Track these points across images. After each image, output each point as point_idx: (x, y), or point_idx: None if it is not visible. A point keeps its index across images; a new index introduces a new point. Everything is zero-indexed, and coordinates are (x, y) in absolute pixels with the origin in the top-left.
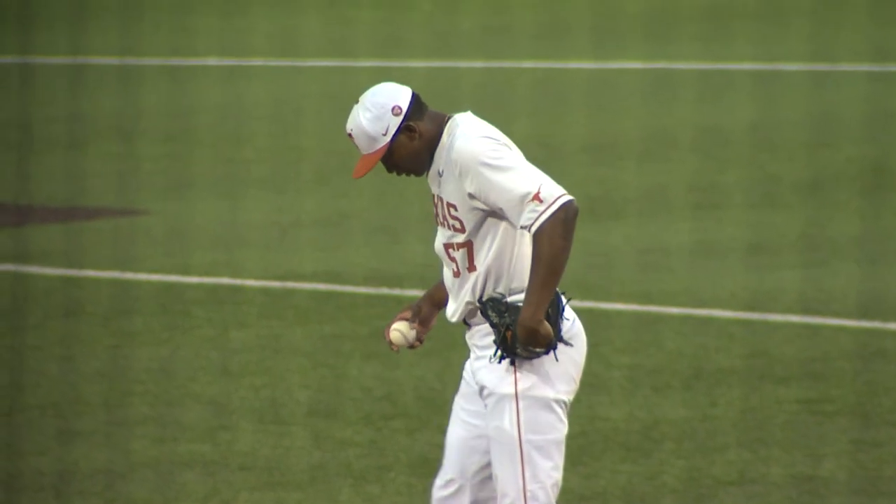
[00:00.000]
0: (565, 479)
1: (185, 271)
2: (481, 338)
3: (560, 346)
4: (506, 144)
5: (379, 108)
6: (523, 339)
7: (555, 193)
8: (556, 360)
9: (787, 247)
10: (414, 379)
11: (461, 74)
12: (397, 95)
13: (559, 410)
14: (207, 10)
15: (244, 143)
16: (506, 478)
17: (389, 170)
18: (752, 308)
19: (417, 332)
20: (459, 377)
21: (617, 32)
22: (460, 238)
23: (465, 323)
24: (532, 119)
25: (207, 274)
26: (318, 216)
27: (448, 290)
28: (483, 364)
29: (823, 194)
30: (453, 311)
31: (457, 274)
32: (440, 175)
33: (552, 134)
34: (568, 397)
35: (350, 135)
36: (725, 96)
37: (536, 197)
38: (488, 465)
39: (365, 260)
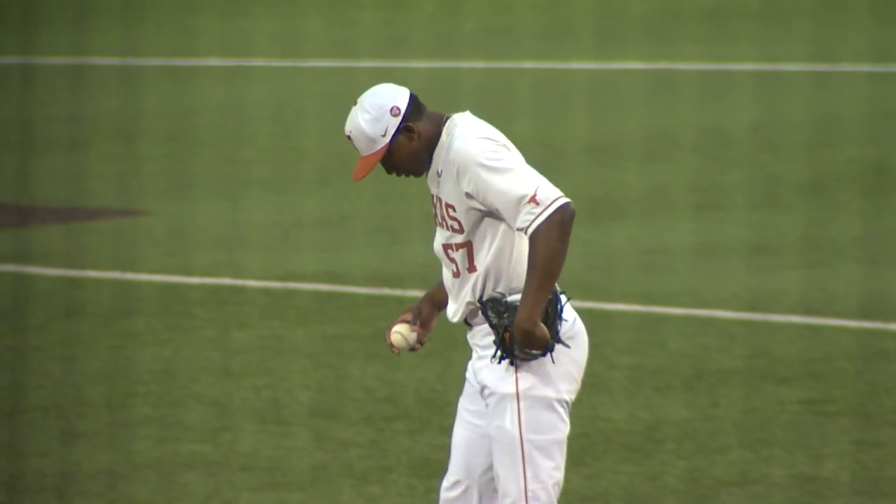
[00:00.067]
0: (567, 479)
1: (187, 272)
2: (483, 337)
3: (559, 346)
4: (504, 145)
5: (377, 110)
6: (519, 340)
7: (551, 196)
8: (553, 361)
9: (789, 247)
10: (415, 380)
11: (463, 75)
12: (395, 96)
13: (561, 410)
14: (209, 11)
15: (245, 143)
16: (507, 478)
17: (389, 171)
18: (753, 308)
19: (418, 335)
20: (461, 378)
21: (619, 33)
22: (459, 238)
23: (467, 323)
24: (534, 120)
25: (209, 274)
26: (320, 217)
27: (448, 291)
28: (484, 364)
29: (825, 195)
30: (454, 311)
31: (456, 274)
32: (439, 175)
33: (554, 134)
34: (569, 397)
35: (349, 137)
36: (727, 97)
37: (533, 199)
38: None
39: (366, 260)
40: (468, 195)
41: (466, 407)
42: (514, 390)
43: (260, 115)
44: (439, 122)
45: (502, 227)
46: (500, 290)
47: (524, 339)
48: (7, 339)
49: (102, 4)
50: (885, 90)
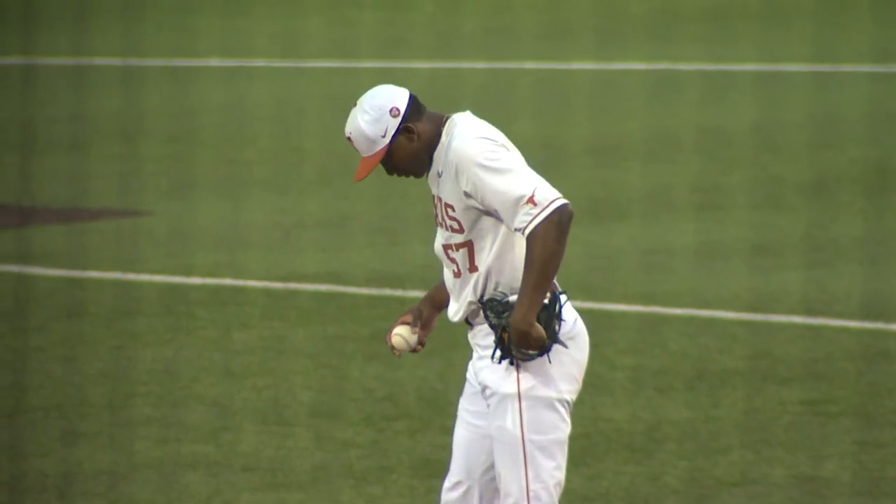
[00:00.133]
0: (568, 479)
1: (188, 272)
2: (484, 337)
3: (558, 347)
4: (503, 145)
5: (377, 111)
6: (515, 340)
7: (549, 197)
8: (550, 361)
9: (791, 248)
10: (416, 380)
11: (463, 75)
12: (395, 97)
13: (562, 410)
14: (209, 11)
15: (246, 144)
16: (509, 478)
17: (390, 172)
18: (755, 309)
19: (419, 336)
20: (462, 377)
21: (620, 33)
22: (459, 238)
23: (468, 322)
24: (535, 120)
25: (210, 275)
26: (321, 217)
27: (449, 291)
28: (485, 364)
29: (826, 195)
30: (455, 311)
31: (457, 275)
32: (439, 176)
33: (555, 135)
34: (571, 397)
35: (349, 138)
36: (728, 97)
37: (531, 200)
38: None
39: (367, 261)
40: (467, 195)
41: (467, 407)
42: (515, 390)
43: (261, 115)
44: (439, 123)
45: (503, 227)
46: (501, 289)
47: (520, 340)
48: (8, 340)
49: (103, 4)
50: (886, 90)
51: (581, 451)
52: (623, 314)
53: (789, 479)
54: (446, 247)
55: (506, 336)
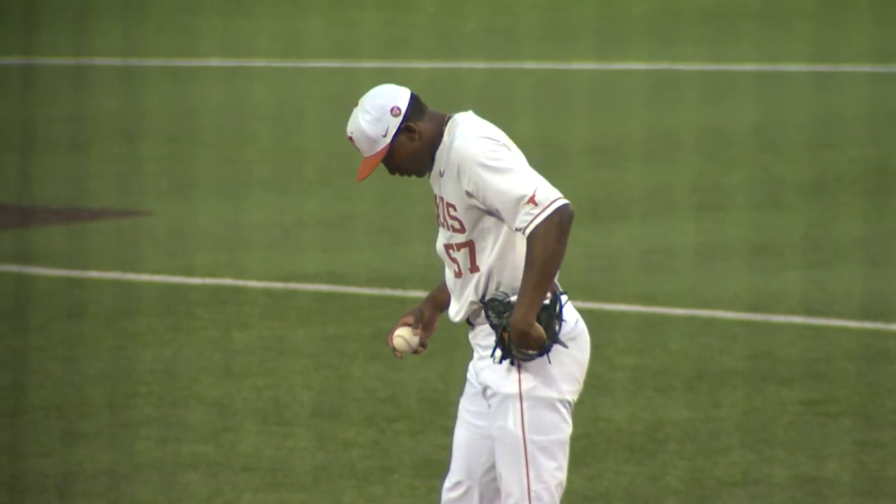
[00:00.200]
0: (569, 479)
1: (188, 272)
2: (485, 337)
3: (559, 347)
4: (505, 145)
5: (378, 110)
6: (515, 340)
7: (550, 197)
8: (549, 362)
9: (791, 248)
10: (417, 380)
11: (464, 75)
12: (396, 96)
13: (563, 410)
14: (210, 12)
15: (247, 144)
16: (510, 478)
17: (391, 171)
18: (755, 309)
19: (420, 337)
20: (463, 378)
21: (620, 34)
22: (460, 238)
23: (469, 323)
24: (535, 120)
25: (210, 275)
26: (321, 217)
27: (450, 291)
28: (486, 364)
29: (827, 195)
30: (456, 311)
31: (458, 274)
32: (441, 175)
33: (556, 135)
34: (572, 397)
35: (351, 138)
36: (729, 97)
37: (532, 200)
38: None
39: (368, 261)
40: (468, 194)
41: (467, 408)
42: (516, 391)
43: (261, 115)
44: (441, 122)
45: (505, 227)
46: (502, 289)
47: (520, 340)
48: (8, 340)
49: (103, 5)
50: (886, 90)
51: (581, 452)
52: (623, 314)
53: (790, 479)
54: (448, 247)
55: (506, 336)
